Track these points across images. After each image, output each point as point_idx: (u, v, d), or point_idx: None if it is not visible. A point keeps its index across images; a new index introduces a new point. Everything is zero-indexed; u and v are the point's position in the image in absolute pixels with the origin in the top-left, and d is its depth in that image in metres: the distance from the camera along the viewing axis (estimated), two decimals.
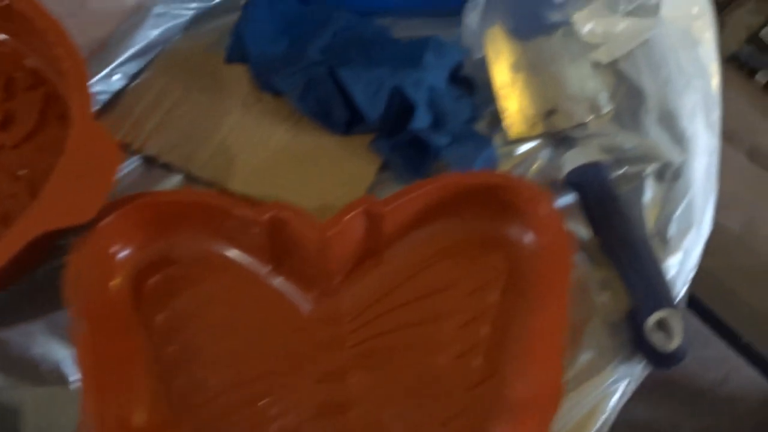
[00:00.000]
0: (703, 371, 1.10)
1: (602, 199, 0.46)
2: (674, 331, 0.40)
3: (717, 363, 1.09)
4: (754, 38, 0.96)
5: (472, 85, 0.54)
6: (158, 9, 0.55)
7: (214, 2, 0.57)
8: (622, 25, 0.55)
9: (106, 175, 0.43)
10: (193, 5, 0.56)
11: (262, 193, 0.48)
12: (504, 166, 0.50)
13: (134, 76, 0.54)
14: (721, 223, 0.84)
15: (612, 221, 0.45)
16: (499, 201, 0.45)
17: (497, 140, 0.51)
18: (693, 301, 0.90)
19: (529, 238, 0.44)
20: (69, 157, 0.42)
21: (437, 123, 0.49)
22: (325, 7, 0.57)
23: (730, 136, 0.92)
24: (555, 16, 0.54)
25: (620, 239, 0.44)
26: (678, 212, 0.47)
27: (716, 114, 0.51)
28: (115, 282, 0.43)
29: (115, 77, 0.53)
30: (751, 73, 0.97)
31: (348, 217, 0.43)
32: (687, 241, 0.47)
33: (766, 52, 0.95)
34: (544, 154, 0.51)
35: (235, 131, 0.50)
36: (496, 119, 0.52)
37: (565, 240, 0.43)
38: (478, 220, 0.45)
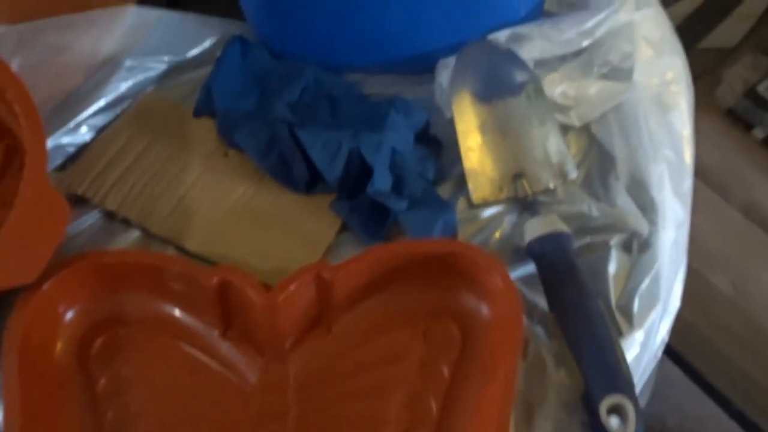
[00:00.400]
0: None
1: (559, 271, 0.44)
2: (629, 418, 0.38)
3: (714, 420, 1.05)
4: (751, 93, 0.94)
5: (440, 144, 0.54)
6: (130, 62, 0.55)
7: (187, 56, 0.58)
8: (595, 87, 0.54)
9: (53, 236, 0.43)
10: (166, 58, 0.57)
11: (218, 253, 0.47)
12: (467, 231, 0.49)
13: (102, 129, 0.54)
14: (712, 282, 0.82)
15: (567, 295, 0.43)
16: (454, 270, 0.43)
17: (461, 203, 0.51)
18: (683, 362, 0.87)
19: (483, 309, 0.43)
20: (17, 215, 0.41)
21: (398, 185, 0.49)
22: (297, 63, 0.57)
23: (724, 191, 0.90)
24: (523, 77, 0.53)
25: (574, 315, 0.42)
26: (643, 286, 0.45)
27: (687, 184, 0.50)
28: (58, 343, 0.42)
29: (83, 129, 0.53)
30: (748, 127, 0.95)
31: (297, 283, 0.42)
32: (651, 319, 0.45)
33: (763, 107, 0.93)
34: (509, 220, 0.50)
35: (196, 188, 0.50)
36: (462, 180, 0.51)
37: (519, 313, 0.41)
38: (431, 289, 0.44)
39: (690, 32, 0.93)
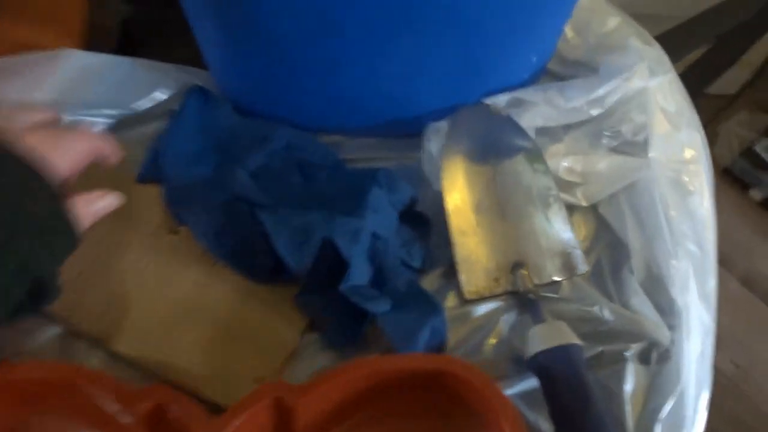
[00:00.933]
0: None
1: (568, 390, 0.37)
2: None
3: None
4: (748, 152, 0.90)
5: (428, 223, 0.46)
6: (69, 117, 0.47)
7: (135, 109, 0.50)
8: (605, 163, 0.48)
9: None
10: (110, 112, 0.49)
11: (155, 359, 0.39)
12: (457, 333, 0.42)
13: None
14: (716, 364, 0.74)
15: (577, 419, 0.36)
16: (440, 391, 0.36)
17: (451, 298, 0.43)
18: None
19: None
20: None
21: (378, 278, 0.41)
22: (266, 121, 0.49)
23: (723, 259, 0.84)
24: (522, 144, 0.46)
25: None
26: (665, 410, 0.38)
27: (712, 284, 0.43)
28: None
29: None
30: (745, 188, 0.90)
31: (251, 410, 0.34)
32: None
33: (760, 167, 0.89)
34: (507, 320, 0.42)
35: (135, 273, 0.42)
36: (452, 269, 0.44)
37: None
38: (413, 415, 0.36)
39: (695, 79, 0.88)
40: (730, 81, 0.96)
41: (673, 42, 0.76)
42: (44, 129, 0.34)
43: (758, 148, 0.90)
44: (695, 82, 0.92)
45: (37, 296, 0.30)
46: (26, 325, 0.40)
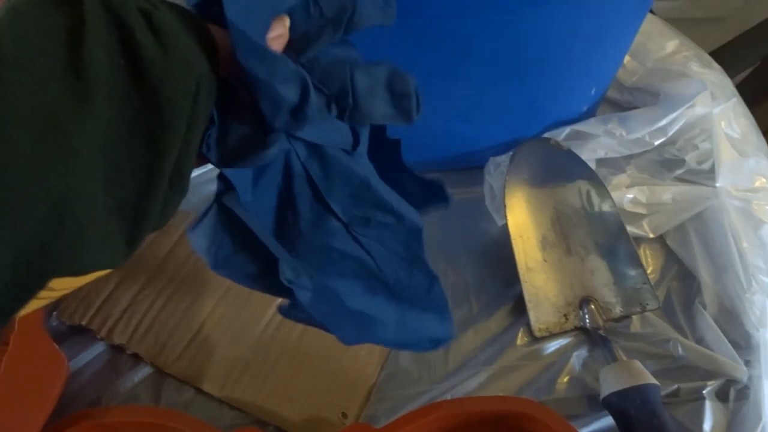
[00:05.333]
0: None
1: (645, 430, 0.37)
2: None
3: None
4: None
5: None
6: None
7: None
8: (671, 193, 0.47)
9: (48, 393, 0.36)
10: None
11: (242, 399, 0.40)
12: (529, 370, 0.42)
13: None
14: None
15: None
16: None
17: (521, 336, 0.44)
18: None
19: None
20: (8, 371, 0.35)
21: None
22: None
23: None
24: (584, 175, 0.47)
25: None
26: None
27: None
28: None
29: None
30: None
31: None
32: None
33: None
34: (578, 356, 0.43)
35: (214, 318, 0.44)
36: (521, 307, 0.44)
37: None
38: None
39: (753, 88, 0.85)
40: None
41: (730, 57, 0.75)
42: None
43: None
44: (762, 84, 0.89)
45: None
46: (120, 364, 0.43)
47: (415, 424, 0.36)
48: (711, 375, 0.40)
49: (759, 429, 0.38)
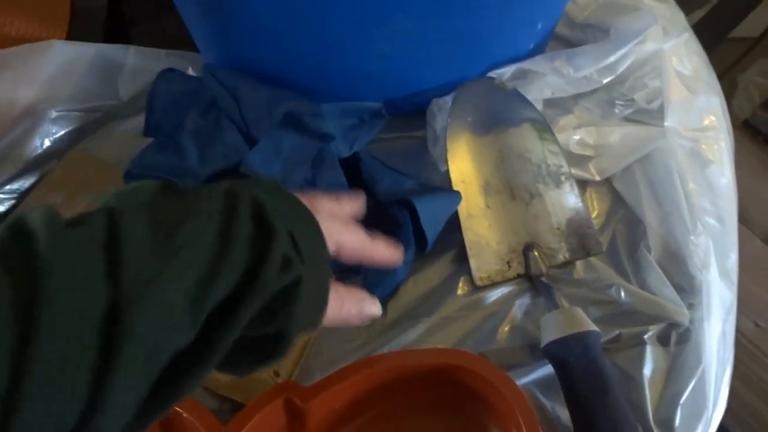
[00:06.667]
0: None
1: (585, 378, 0.36)
2: None
3: None
4: None
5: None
6: (54, 112, 0.45)
7: (128, 99, 0.48)
8: (619, 133, 0.45)
9: None
10: (101, 103, 0.47)
11: None
12: (471, 320, 0.41)
13: (22, 196, 0.44)
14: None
15: (595, 407, 0.35)
16: (451, 385, 0.35)
17: (462, 285, 0.42)
18: None
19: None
20: None
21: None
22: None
23: (744, 216, 0.82)
24: (530, 117, 0.44)
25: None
26: (686, 394, 0.37)
27: (733, 258, 0.41)
28: None
29: (1, 197, 0.44)
30: (766, 141, 0.87)
31: (261, 414, 0.33)
32: None
33: None
34: (520, 304, 0.41)
35: None
36: (462, 255, 0.42)
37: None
38: (424, 410, 0.36)
39: (718, 22, 0.84)
40: (755, 22, 0.90)
41: None
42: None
43: None
44: (718, 25, 0.87)
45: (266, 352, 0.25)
46: None
47: (346, 381, 0.34)
48: (653, 319, 0.39)
49: (699, 371, 0.38)
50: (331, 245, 0.28)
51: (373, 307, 0.30)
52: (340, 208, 0.32)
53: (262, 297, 0.22)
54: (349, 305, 0.29)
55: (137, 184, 0.23)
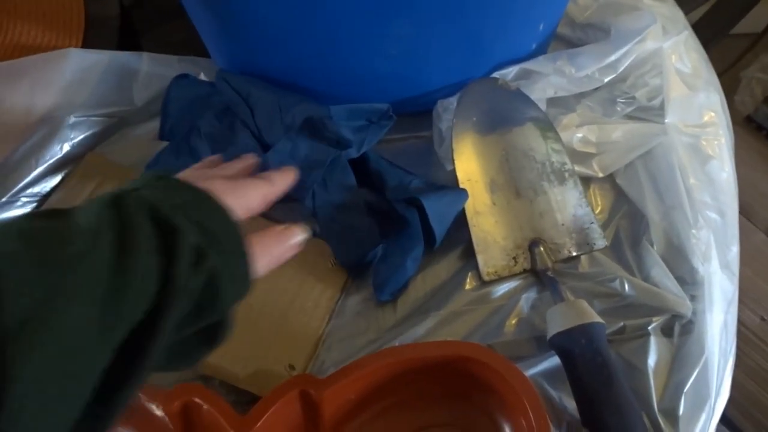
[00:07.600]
0: None
1: (590, 369, 0.37)
2: None
3: None
4: None
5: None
6: (73, 118, 0.47)
7: (142, 104, 0.49)
8: (620, 131, 0.46)
9: None
10: (116, 109, 0.48)
11: None
12: (478, 314, 0.42)
13: (44, 198, 0.46)
14: (740, 318, 0.74)
15: (601, 397, 0.36)
16: (460, 376, 0.36)
17: (469, 280, 0.43)
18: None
19: (498, 422, 0.36)
20: None
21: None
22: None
23: (746, 210, 0.83)
24: (533, 116, 0.45)
25: (611, 427, 0.35)
26: (689, 383, 0.38)
27: (734, 251, 0.42)
28: None
29: (22, 202, 0.45)
30: None
31: (277, 405, 0.35)
32: (701, 422, 0.38)
33: None
34: (527, 299, 0.42)
35: None
36: (469, 251, 0.44)
37: (545, 424, 0.34)
38: (434, 400, 0.37)
39: (720, 18, 0.84)
40: (758, 18, 0.91)
41: None
42: (224, 177, 0.31)
43: None
44: (717, 23, 0.88)
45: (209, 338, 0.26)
46: None
47: (358, 372, 0.36)
48: (656, 311, 0.40)
49: (702, 361, 0.39)
50: (241, 215, 0.28)
51: (297, 235, 0.30)
52: (233, 172, 0.33)
53: (183, 297, 0.22)
54: (273, 249, 0.29)
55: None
